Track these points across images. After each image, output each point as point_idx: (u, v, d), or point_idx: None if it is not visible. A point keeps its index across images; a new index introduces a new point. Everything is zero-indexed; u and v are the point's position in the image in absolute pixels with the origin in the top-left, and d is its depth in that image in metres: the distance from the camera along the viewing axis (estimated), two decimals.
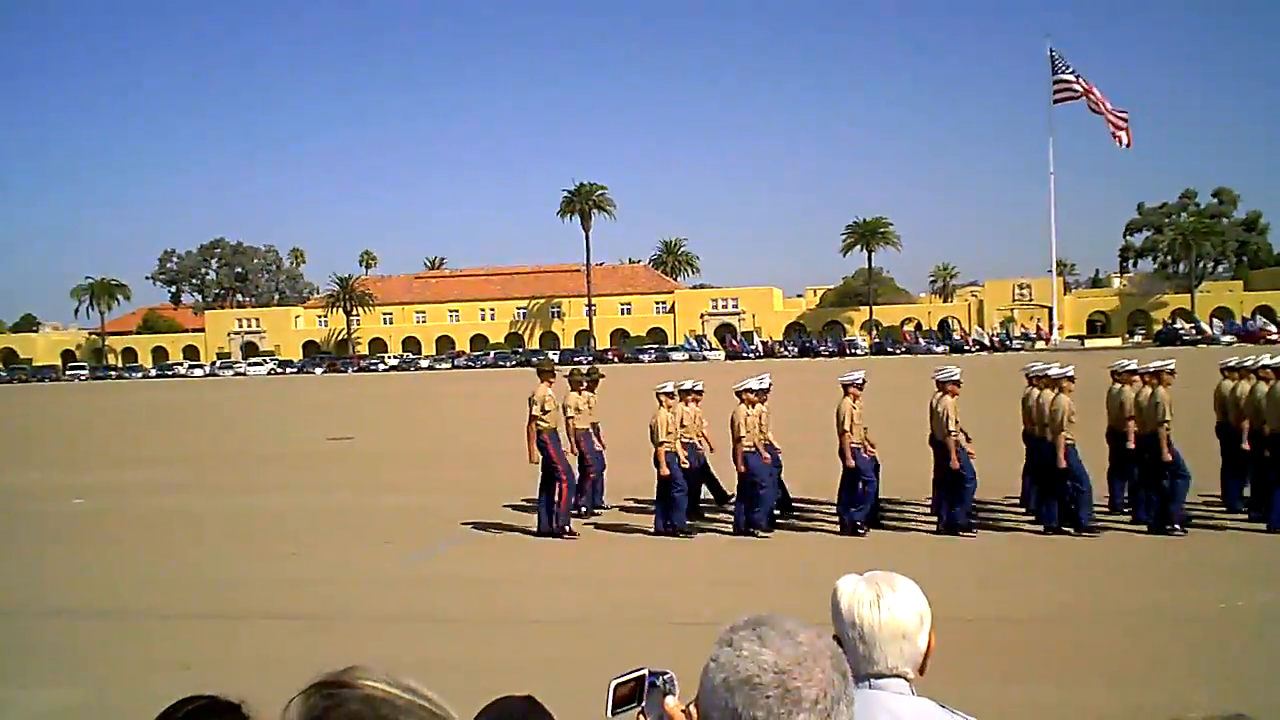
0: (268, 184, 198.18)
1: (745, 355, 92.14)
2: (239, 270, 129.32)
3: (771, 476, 12.36)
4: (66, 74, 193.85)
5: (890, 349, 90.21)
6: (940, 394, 12.13)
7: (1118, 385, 12.36)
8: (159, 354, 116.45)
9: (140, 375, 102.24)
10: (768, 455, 12.33)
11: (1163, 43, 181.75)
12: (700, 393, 13.36)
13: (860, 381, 12.39)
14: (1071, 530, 11.48)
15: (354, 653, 7.86)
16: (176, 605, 9.90)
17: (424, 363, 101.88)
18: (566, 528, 12.44)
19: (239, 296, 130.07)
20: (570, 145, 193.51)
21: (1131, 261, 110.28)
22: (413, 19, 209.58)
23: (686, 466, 12.58)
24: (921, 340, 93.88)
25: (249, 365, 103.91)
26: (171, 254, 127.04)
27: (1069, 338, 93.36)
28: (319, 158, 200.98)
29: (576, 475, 13.18)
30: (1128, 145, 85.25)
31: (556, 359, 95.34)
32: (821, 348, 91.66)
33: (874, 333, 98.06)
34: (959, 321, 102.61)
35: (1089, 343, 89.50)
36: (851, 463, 11.94)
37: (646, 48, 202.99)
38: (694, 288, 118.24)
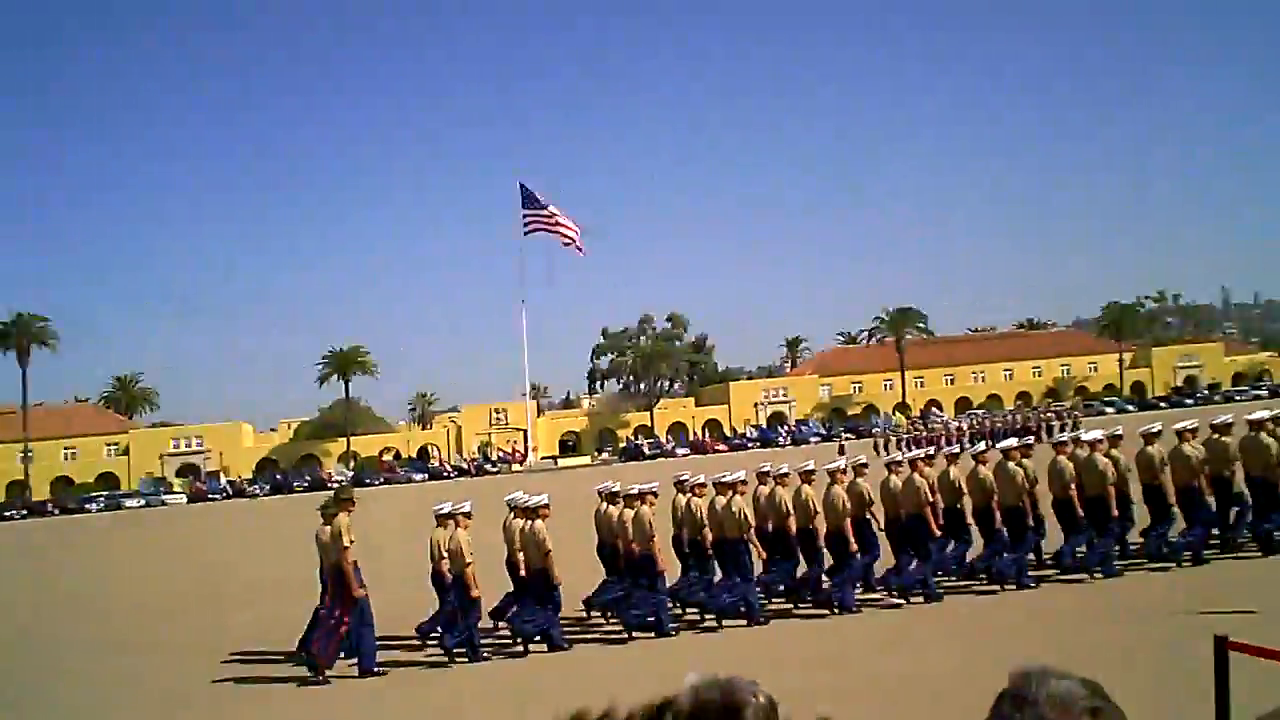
0: None
1: (212, 496, 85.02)
2: None
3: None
4: None
5: (368, 480, 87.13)
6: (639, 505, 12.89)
7: (1058, 455, 14.12)
8: None
9: None
10: None
11: (620, 178, 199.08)
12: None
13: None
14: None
15: None
16: None
17: None
18: None
19: None
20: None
21: (599, 383, 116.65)
22: None
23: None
24: (400, 469, 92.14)
25: None
26: None
27: (544, 458, 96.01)
28: None
29: None
30: (581, 252, 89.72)
31: None
32: (296, 483, 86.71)
33: (352, 464, 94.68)
34: (438, 448, 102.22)
35: (562, 461, 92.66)
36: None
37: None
38: (152, 426, 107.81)
